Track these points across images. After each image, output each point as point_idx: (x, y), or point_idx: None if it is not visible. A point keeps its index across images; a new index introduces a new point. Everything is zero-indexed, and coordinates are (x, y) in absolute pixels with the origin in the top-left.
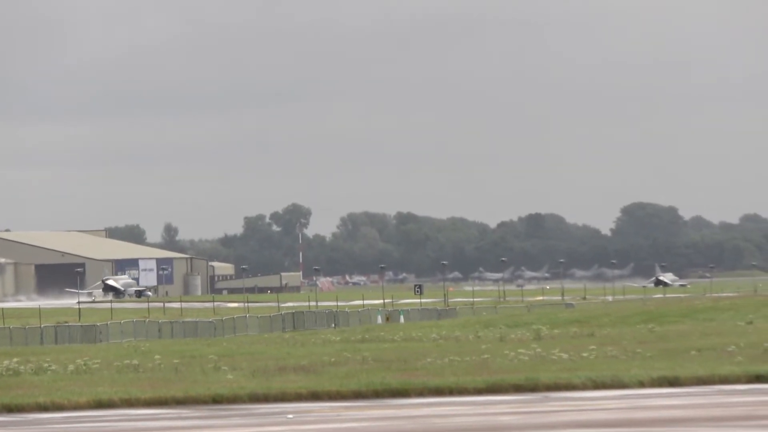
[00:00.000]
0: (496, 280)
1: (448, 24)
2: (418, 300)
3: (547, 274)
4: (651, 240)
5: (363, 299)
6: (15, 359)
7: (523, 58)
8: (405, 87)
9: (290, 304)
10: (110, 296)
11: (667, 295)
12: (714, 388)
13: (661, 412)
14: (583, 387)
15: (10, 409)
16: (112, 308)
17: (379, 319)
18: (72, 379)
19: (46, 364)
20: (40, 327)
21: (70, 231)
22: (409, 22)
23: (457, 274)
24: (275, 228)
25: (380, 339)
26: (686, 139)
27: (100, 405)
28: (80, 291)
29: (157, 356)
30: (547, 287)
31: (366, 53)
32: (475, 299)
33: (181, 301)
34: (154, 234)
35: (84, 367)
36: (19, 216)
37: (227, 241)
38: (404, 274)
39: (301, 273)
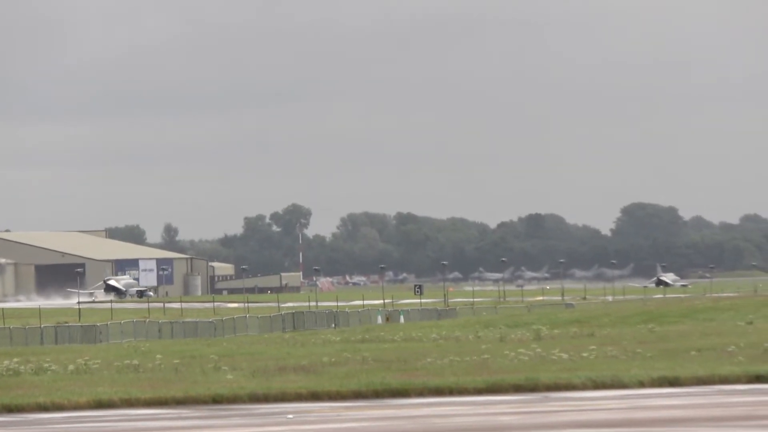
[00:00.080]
0: (496, 281)
1: (448, 24)
2: (418, 300)
3: (547, 275)
4: (651, 240)
5: (363, 299)
6: (15, 359)
7: (523, 58)
8: (405, 87)
9: (290, 304)
10: (112, 296)
11: (667, 296)
12: (714, 388)
13: (661, 412)
14: (583, 387)
15: (10, 409)
16: (112, 308)
17: (379, 320)
18: (72, 379)
19: (46, 365)
20: (40, 327)
21: (70, 231)
22: (409, 22)
23: (457, 274)
24: (275, 228)
25: (380, 339)
26: (686, 139)
27: (100, 405)
28: (83, 291)
29: (158, 356)
30: (547, 287)
31: (366, 53)
32: (475, 299)
33: (181, 302)
34: (154, 234)
35: (84, 367)
36: (19, 216)
37: (227, 241)
38: (404, 275)
39: (301, 273)
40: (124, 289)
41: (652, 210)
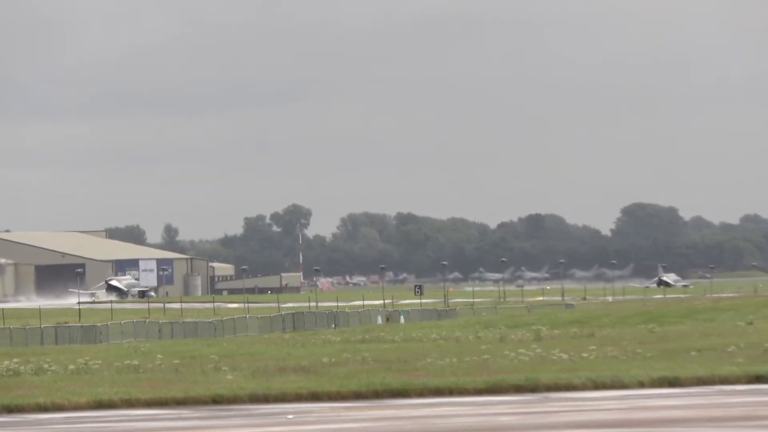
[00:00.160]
0: (496, 281)
1: (448, 24)
2: (419, 300)
3: (547, 275)
4: (651, 240)
5: (363, 300)
6: (15, 360)
7: (523, 58)
8: (405, 87)
9: (290, 304)
10: (113, 296)
11: (667, 296)
12: (714, 389)
13: (661, 413)
14: (584, 387)
15: (10, 410)
16: (112, 309)
17: (380, 320)
18: (72, 379)
19: (46, 365)
20: (40, 327)
21: (70, 231)
22: (409, 22)
23: (457, 274)
24: (275, 228)
25: (380, 339)
26: (686, 139)
27: (100, 405)
28: (84, 291)
29: (158, 356)
30: (548, 287)
31: (366, 53)
32: (475, 300)
33: (181, 302)
34: (155, 234)
35: (84, 368)
36: (19, 216)
37: (227, 241)
38: (404, 275)
39: (301, 273)
40: (125, 289)
41: (652, 210)
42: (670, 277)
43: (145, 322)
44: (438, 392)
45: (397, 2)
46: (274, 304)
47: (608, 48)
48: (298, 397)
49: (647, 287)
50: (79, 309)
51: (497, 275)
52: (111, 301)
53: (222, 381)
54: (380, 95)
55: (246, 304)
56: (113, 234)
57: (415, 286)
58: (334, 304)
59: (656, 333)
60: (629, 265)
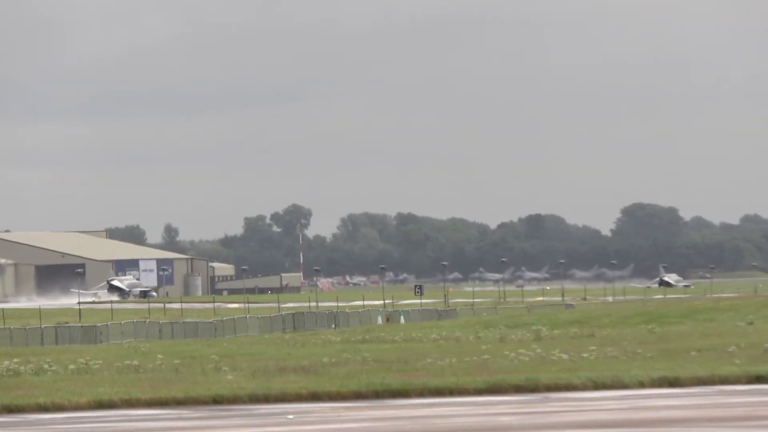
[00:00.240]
0: (496, 281)
1: (448, 24)
2: (419, 300)
3: (547, 275)
4: (651, 240)
5: (363, 300)
6: (15, 360)
7: (523, 58)
8: (405, 87)
9: (290, 304)
10: (115, 296)
11: (667, 296)
12: (714, 389)
13: (661, 413)
14: (584, 387)
15: (10, 410)
16: (112, 309)
17: (380, 320)
18: (72, 379)
19: (46, 365)
20: (40, 327)
21: (70, 231)
22: (409, 22)
23: (457, 274)
24: (275, 228)
25: (380, 340)
26: (686, 139)
27: (100, 405)
28: (86, 291)
29: (159, 356)
30: (548, 288)
31: (366, 53)
32: (475, 300)
33: (181, 302)
34: (155, 234)
35: (84, 368)
36: (19, 216)
37: (227, 241)
38: (404, 275)
39: (301, 273)
40: (127, 289)
41: (652, 210)
42: (671, 278)
43: (145, 322)
44: (438, 392)
45: (397, 2)
46: (275, 305)
47: (608, 48)
48: (299, 397)
49: (648, 287)
50: (80, 309)
51: (497, 275)
52: (111, 301)
53: (222, 381)
54: (380, 95)
55: (246, 304)
56: (113, 234)
57: (415, 286)
58: (335, 304)
59: (656, 333)
60: (629, 265)
